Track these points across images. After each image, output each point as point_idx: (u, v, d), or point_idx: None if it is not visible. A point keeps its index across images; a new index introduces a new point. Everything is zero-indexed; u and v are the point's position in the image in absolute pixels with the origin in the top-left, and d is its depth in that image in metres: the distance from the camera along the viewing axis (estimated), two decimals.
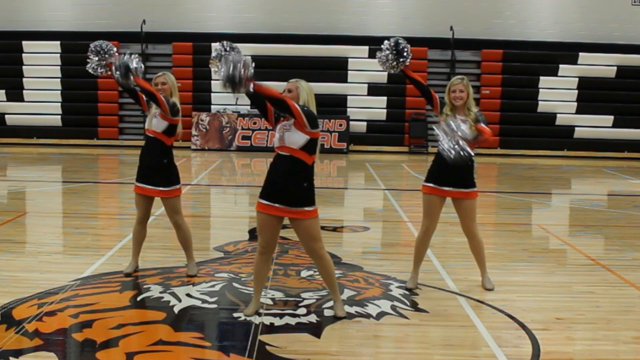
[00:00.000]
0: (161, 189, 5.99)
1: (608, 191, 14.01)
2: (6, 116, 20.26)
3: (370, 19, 21.19)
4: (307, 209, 4.97)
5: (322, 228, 5.86)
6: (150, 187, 5.99)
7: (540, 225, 9.42)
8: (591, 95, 20.56)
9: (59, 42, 20.55)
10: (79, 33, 20.61)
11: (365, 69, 20.73)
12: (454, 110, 5.81)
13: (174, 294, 5.62)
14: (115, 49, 6.19)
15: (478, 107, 6.02)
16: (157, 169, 5.98)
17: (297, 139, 4.89)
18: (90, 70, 6.10)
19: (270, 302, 5.47)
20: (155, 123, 5.97)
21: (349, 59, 20.75)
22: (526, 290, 6.04)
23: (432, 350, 4.62)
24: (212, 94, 20.36)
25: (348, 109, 20.49)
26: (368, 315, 5.23)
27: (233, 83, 4.57)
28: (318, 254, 5.11)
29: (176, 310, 5.27)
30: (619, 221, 10.05)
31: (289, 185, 4.92)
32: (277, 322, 5.03)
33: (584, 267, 7.04)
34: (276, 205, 4.96)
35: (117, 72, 5.86)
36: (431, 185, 5.87)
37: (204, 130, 19.32)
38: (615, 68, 20.63)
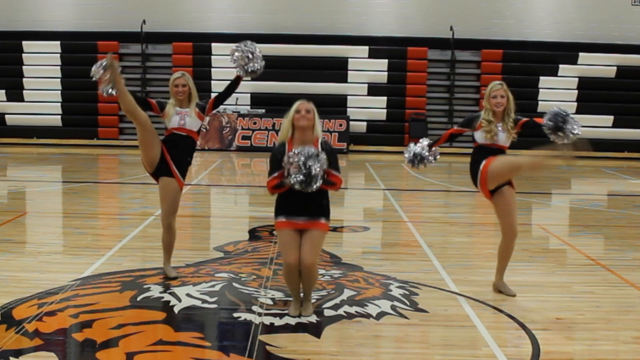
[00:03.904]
0: (182, 180, 6.03)
1: (608, 191, 14.01)
2: (6, 116, 20.24)
3: (370, 19, 21.18)
4: (325, 221, 5.14)
5: None
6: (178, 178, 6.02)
7: (540, 225, 9.42)
8: (591, 95, 20.56)
9: (59, 42, 20.55)
10: (79, 33, 20.62)
11: (365, 69, 20.73)
12: (494, 117, 5.73)
13: (174, 294, 5.62)
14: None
15: (516, 113, 5.89)
16: (185, 164, 6.01)
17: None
18: None
19: (270, 302, 5.47)
20: (190, 122, 5.98)
21: (349, 59, 20.74)
22: (526, 290, 6.04)
23: (432, 350, 4.62)
24: (212, 94, 20.31)
25: (348, 109, 20.49)
26: (368, 315, 5.24)
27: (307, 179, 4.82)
28: (315, 263, 5.16)
29: (176, 310, 5.27)
30: (619, 221, 10.05)
31: (319, 199, 5.06)
32: (277, 322, 5.03)
33: (584, 267, 7.04)
34: (300, 219, 5.04)
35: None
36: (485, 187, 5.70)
37: (204, 130, 19.31)
38: (615, 68, 20.63)
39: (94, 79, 5.76)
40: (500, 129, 5.73)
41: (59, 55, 20.56)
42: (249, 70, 6.03)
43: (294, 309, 5.22)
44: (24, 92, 20.32)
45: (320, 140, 5.10)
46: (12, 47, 20.43)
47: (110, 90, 5.83)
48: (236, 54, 6.03)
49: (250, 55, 5.98)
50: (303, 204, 5.03)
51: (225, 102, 6.25)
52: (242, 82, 6.21)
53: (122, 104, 5.79)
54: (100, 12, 20.75)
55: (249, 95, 20.17)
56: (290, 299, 5.34)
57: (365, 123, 20.45)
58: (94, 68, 5.76)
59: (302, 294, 5.26)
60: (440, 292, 5.96)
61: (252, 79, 6.20)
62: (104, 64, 5.71)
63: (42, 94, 20.37)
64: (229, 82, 6.17)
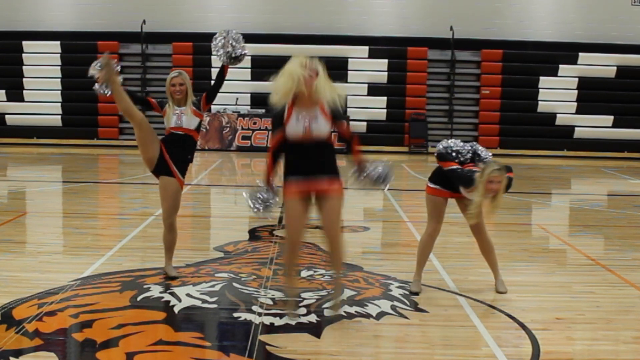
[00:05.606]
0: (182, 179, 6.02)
1: (608, 191, 14.01)
2: (6, 116, 20.26)
3: (369, 19, 21.19)
4: (339, 180, 5.09)
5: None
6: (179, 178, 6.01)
7: (540, 225, 9.42)
8: (591, 95, 20.58)
9: (59, 42, 20.56)
10: (79, 33, 20.64)
11: (365, 69, 20.74)
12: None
13: (174, 294, 5.62)
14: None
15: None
16: (185, 163, 5.99)
17: (324, 127, 5.13)
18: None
19: (270, 302, 5.47)
20: (187, 120, 5.95)
21: (349, 59, 20.76)
22: (526, 290, 6.04)
23: (432, 350, 4.62)
24: None
25: (348, 109, 20.48)
26: (368, 315, 5.23)
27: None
28: (340, 232, 5.08)
29: (176, 310, 5.27)
30: (619, 221, 10.05)
31: (328, 158, 5.20)
32: (277, 322, 5.03)
33: (584, 267, 7.04)
34: (313, 178, 5.00)
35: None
36: (435, 186, 5.86)
37: (204, 130, 19.31)
38: (615, 68, 20.65)
39: (93, 78, 5.77)
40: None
41: (59, 55, 20.57)
42: (234, 55, 5.94)
43: (291, 306, 5.14)
44: (24, 92, 20.34)
45: (326, 107, 5.08)
46: (12, 47, 20.44)
47: (104, 90, 5.81)
48: (219, 40, 5.97)
49: (234, 42, 5.94)
50: (315, 163, 5.03)
51: (219, 99, 6.18)
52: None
53: (118, 104, 5.78)
54: (100, 12, 20.76)
55: (249, 95, 20.17)
56: (289, 299, 5.32)
57: (365, 123, 20.45)
58: (90, 67, 5.76)
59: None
60: (440, 292, 5.96)
61: (237, 65, 6.14)
62: (99, 63, 5.71)
63: (42, 94, 20.38)
64: (219, 77, 6.10)
